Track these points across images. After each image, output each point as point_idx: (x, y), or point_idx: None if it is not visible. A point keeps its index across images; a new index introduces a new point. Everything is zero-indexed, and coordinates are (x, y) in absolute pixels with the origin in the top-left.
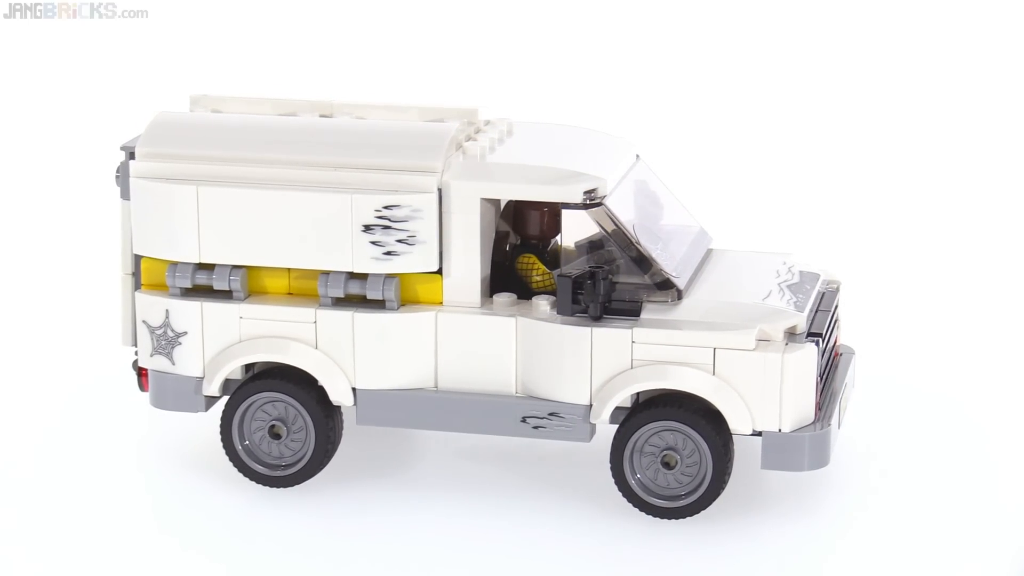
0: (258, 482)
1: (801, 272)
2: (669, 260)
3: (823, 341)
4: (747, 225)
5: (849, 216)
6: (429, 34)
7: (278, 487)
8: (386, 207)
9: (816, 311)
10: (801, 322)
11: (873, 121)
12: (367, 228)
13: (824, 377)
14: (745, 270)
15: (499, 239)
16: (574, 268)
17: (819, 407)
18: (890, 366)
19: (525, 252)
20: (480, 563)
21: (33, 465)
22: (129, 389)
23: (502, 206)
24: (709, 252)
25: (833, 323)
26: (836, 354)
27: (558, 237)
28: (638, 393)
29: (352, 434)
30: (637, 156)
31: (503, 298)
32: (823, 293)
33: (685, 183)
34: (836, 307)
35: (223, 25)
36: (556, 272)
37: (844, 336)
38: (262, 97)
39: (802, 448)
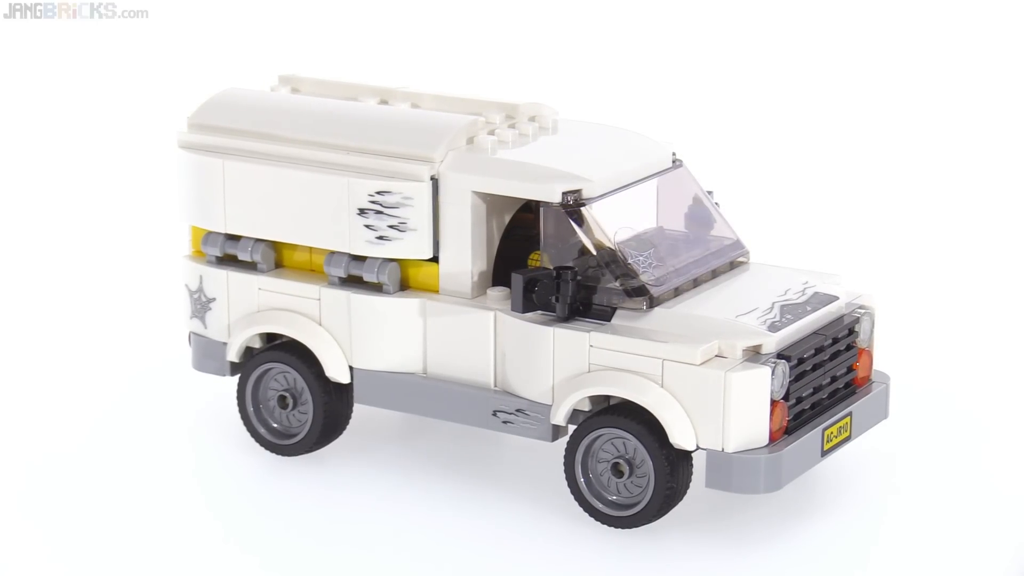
0: (264, 447)
1: (814, 293)
2: (657, 268)
3: (799, 364)
4: (808, 244)
5: (923, 243)
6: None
7: (281, 455)
8: (379, 192)
9: (811, 334)
10: (768, 342)
11: (951, 146)
12: (362, 212)
13: (815, 401)
14: (753, 286)
15: (521, 235)
16: (539, 267)
17: (784, 431)
18: (938, 395)
19: (537, 248)
20: (442, 551)
21: (86, 416)
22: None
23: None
24: (736, 265)
25: (844, 348)
26: (858, 381)
27: (562, 235)
28: (608, 397)
29: (370, 416)
30: (676, 162)
31: (496, 292)
32: (839, 317)
33: (751, 196)
34: (852, 332)
35: (223, 25)
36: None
37: (889, 363)
38: (336, 81)
39: (746, 470)
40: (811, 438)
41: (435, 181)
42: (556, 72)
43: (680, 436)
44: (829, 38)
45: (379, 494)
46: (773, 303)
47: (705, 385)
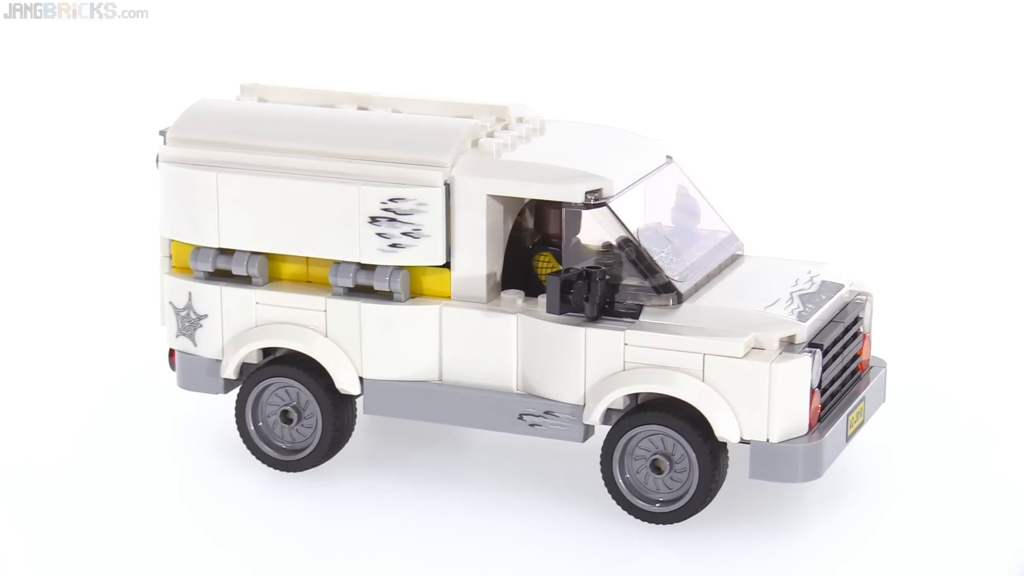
0: (268, 465)
1: (823, 282)
2: (677, 264)
3: (827, 352)
4: (792, 233)
5: (901, 228)
6: (475, 31)
7: (287, 471)
8: (392, 200)
9: (829, 322)
10: (800, 332)
11: (935, 132)
12: (373, 220)
13: (835, 389)
14: (763, 277)
15: (522, 236)
16: (570, 268)
17: (818, 418)
18: (927, 380)
19: (543, 250)
20: (466, 557)
21: (63, 439)
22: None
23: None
24: (736, 258)
25: (852, 335)
26: (861, 366)
27: (579, 236)
28: (637, 395)
29: (370, 424)
30: (669, 158)
31: (510, 295)
32: (846, 304)
33: (735, 189)
34: (859, 319)
35: (223, 25)
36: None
37: (879, 348)
38: (306, 88)
39: (790, 459)
40: (840, 424)
41: (447, 186)
42: (504, 71)
43: (725, 429)
44: (803, 29)
45: (390, 503)
46: (791, 293)
47: (750, 377)
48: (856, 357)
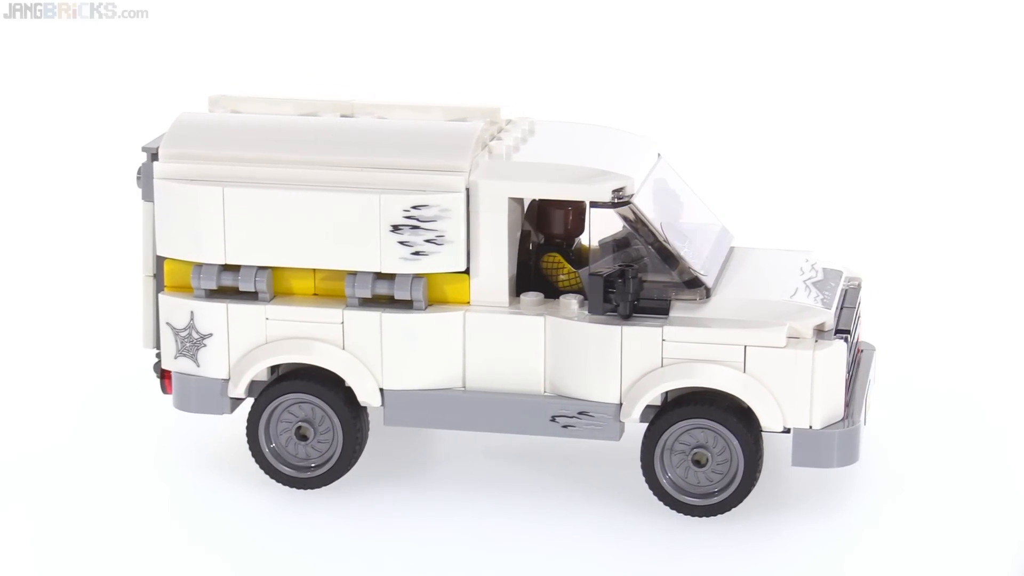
0: (285, 484)
1: (825, 269)
2: (696, 258)
3: (850, 338)
4: (766, 222)
5: (869, 212)
6: (444, 33)
7: (305, 489)
8: (415, 207)
9: (842, 308)
10: (829, 319)
11: (894, 117)
12: (395, 228)
13: (850, 374)
14: (769, 268)
15: (522, 238)
16: (603, 267)
17: (847, 404)
18: (909, 363)
19: (549, 251)
20: (509, 563)
21: (53, 468)
22: (150, 391)
23: (525, 205)
24: (732, 250)
25: (857, 320)
26: (859, 351)
27: (581, 236)
28: (667, 391)
29: (379, 435)
30: (659, 155)
31: (530, 297)
32: (847, 290)
33: (705, 180)
34: (859, 304)
35: (223, 25)
36: (587, 271)
37: (864, 332)
38: (282, 97)
39: (832, 445)
40: (864, 408)
41: (467, 190)
42: (462, 72)
43: (770, 419)
44: (768, 21)
45: (413, 512)
46: (804, 282)
47: (794, 366)
48: (857, 342)
